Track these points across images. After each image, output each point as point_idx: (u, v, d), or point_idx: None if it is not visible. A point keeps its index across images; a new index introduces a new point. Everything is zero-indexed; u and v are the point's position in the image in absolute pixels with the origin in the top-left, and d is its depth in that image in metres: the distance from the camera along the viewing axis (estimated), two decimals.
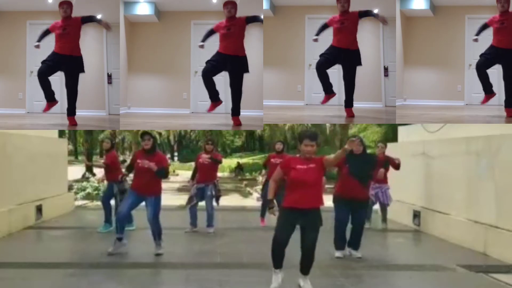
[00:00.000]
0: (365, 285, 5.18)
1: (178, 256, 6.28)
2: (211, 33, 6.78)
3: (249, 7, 6.90)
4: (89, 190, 15.17)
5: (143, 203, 6.25)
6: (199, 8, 7.55)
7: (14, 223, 7.72)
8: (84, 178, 20.97)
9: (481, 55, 6.62)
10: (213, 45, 6.78)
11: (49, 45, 6.68)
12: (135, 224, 7.97)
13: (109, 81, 7.37)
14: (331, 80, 6.89)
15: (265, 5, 7.20)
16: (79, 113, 6.86)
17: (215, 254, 6.47)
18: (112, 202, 7.93)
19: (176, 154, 46.64)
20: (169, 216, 8.50)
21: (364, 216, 6.44)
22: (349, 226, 6.33)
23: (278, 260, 4.61)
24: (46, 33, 6.68)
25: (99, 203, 9.33)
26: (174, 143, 46.12)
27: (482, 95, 6.73)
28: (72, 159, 38.89)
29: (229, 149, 48.20)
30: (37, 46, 6.76)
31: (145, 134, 6.28)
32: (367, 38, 7.42)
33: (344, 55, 6.73)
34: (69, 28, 6.61)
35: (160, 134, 36.72)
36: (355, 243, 6.29)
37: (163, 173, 6.16)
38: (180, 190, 20.07)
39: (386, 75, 7.51)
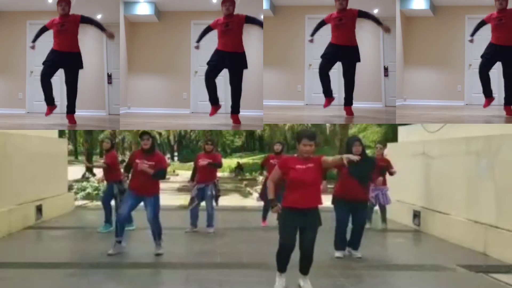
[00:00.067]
0: (365, 285, 5.18)
1: (178, 256, 6.28)
2: (207, 30, 6.77)
3: (249, 7, 6.90)
4: (89, 190, 15.18)
5: (142, 203, 6.26)
6: (199, 8, 7.55)
7: (14, 223, 7.72)
8: (84, 178, 20.99)
9: (482, 56, 6.61)
10: (213, 44, 6.77)
11: (48, 45, 6.67)
12: (135, 224, 7.97)
13: (109, 81, 7.37)
14: (331, 79, 6.89)
15: (265, 5, 7.20)
16: (80, 113, 6.86)
17: (215, 254, 6.47)
18: (112, 202, 7.93)
19: (176, 154, 46.64)
20: (169, 216, 8.49)
21: (364, 217, 6.44)
22: (349, 226, 6.34)
23: (284, 264, 4.62)
24: (43, 30, 6.67)
25: (99, 203, 9.33)
26: (174, 143, 46.14)
27: (482, 95, 6.72)
28: (72, 159, 38.89)
29: (229, 149, 48.23)
30: (33, 47, 6.75)
31: (144, 134, 6.26)
32: (367, 38, 7.42)
33: (343, 52, 6.73)
34: (68, 25, 6.60)
35: (160, 134, 36.77)
36: (355, 243, 6.29)
37: (161, 176, 6.17)
38: (180, 190, 20.07)
39: (386, 75, 7.51)
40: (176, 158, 45.37)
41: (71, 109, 6.74)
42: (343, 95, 6.90)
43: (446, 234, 7.53)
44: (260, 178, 17.50)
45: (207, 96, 6.86)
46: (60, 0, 6.58)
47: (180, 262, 5.95)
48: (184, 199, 13.81)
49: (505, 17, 6.46)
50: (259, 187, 15.75)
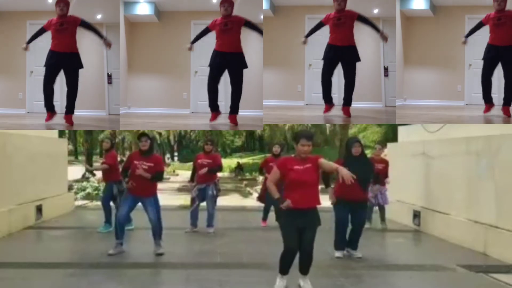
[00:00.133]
0: (365, 285, 5.18)
1: (178, 256, 6.28)
2: (205, 32, 6.74)
3: (249, 7, 6.90)
4: (89, 190, 15.19)
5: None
6: (199, 8, 7.55)
7: (14, 223, 7.72)
8: (84, 178, 20.98)
9: (483, 59, 6.57)
10: (212, 44, 6.76)
11: (46, 45, 6.66)
12: (133, 224, 7.96)
13: (109, 81, 7.37)
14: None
15: (265, 5, 7.20)
16: (80, 113, 6.87)
17: (215, 254, 6.47)
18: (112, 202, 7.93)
19: (176, 154, 46.64)
20: (169, 216, 8.48)
21: (363, 217, 6.44)
22: (349, 226, 6.34)
23: (287, 267, 4.62)
24: (41, 31, 6.64)
25: (99, 203, 9.33)
26: (174, 143, 46.12)
27: (482, 95, 6.72)
28: (72, 159, 38.90)
29: (229, 149, 48.22)
30: (26, 48, 6.73)
31: (142, 135, 6.27)
32: (367, 38, 7.40)
33: (342, 52, 6.70)
34: (67, 24, 6.58)
35: (160, 134, 36.73)
36: (354, 243, 6.28)
37: (159, 178, 6.21)
38: (180, 190, 20.07)
39: (386, 75, 7.51)
40: (176, 158, 45.38)
41: (70, 109, 6.73)
42: (342, 95, 6.89)
43: (446, 234, 7.53)
44: (260, 178, 17.50)
45: (207, 96, 6.85)
46: (58, 0, 6.56)
47: (180, 262, 5.95)
48: (184, 199, 13.81)
49: (504, 16, 6.44)
50: (259, 187, 15.75)
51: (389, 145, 11.35)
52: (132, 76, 7.70)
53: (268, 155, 10.92)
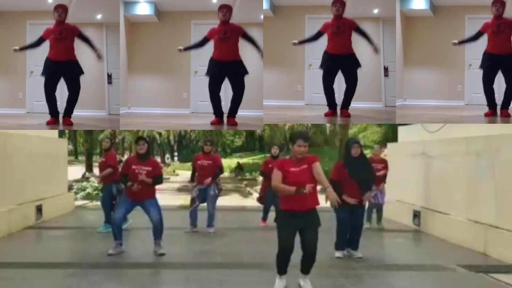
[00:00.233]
0: (365, 285, 5.18)
1: (178, 256, 6.28)
2: (204, 42, 6.66)
3: (249, 7, 6.90)
4: (89, 190, 15.19)
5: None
6: (199, 8, 7.55)
7: (14, 223, 7.72)
8: (84, 178, 20.99)
9: (482, 68, 6.55)
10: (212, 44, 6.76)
11: (46, 46, 6.65)
12: (130, 220, 7.88)
13: (109, 81, 7.37)
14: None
15: (265, 5, 7.19)
16: (80, 113, 6.87)
17: (215, 254, 6.47)
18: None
19: (176, 154, 46.62)
20: (169, 216, 8.46)
21: (362, 217, 6.45)
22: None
23: (284, 266, 4.62)
24: (39, 41, 6.58)
25: (99, 203, 9.32)
26: (174, 143, 46.08)
27: (482, 95, 6.72)
28: (72, 159, 38.90)
29: (229, 149, 48.19)
30: (17, 50, 6.69)
31: (140, 139, 6.29)
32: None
33: (342, 61, 6.68)
34: (66, 33, 6.52)
35: (160, 134, 36.74)
36: (354, 243, 6.28)
37: (159, 182, 6.23)
38: (180, 190, 20.09)
39: (386, 75, 7.51)
40: (176, 158, 45.36)
41: (68, 112, 6.71)
42: (342, 95, 6.88)
43: (446, 234, 7.52)
44: (260, 179, 17.51)
45: (207, 96, 6.85)
46: (57, 6, 6.52)
47: (180, 262, 5.95)
48: (184, 199, 13.82)
49: (503, 24, 6.40)
50: (259, 187, 15.75)
51: (389, 145, 11.35)
52: (132, 76, 7.70)
53: (268, 155, 10.92)
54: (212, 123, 6.85)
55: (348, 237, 6.30)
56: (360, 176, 6.06)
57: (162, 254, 6.19)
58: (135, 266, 5.75)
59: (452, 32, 7.41)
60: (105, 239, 7.17)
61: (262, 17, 6.91)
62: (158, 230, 6.25)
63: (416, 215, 8.61)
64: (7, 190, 7.67)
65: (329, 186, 4.44)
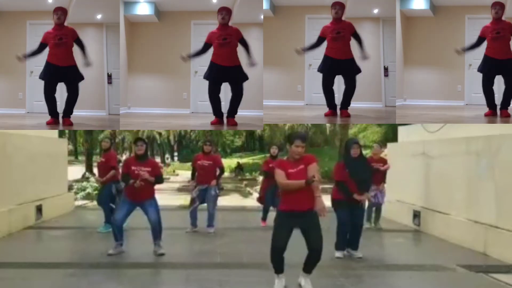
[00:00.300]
0: (365, 285, 5.19)
1: (178, 256, 6.28)
2: (206, 48, 6.64)
3: (249, 7, 6.90)
4: (89, 190, 15.19)
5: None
6: (199, 8, 7.55)
7: (14, 223, 7.72)
8: (84, 178, 20.98)
9: (482, 72, 6.56)
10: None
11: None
12: (127, 221, 7.86)
13: (109, 81, 7.37)
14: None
15: (265, 5, 7.19)
16: (80, 113, 6.87)
17: (215, 254, 6.47)
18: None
19: (176, 154, 46.62)
20: (169, 216, 8.49)
21: (363, 217, 6.46)
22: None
23: (279, 265, 4.61)
24: (41, 48, 6.56)
25: None
26: (174, 143, 46.10)
27: (482, 95, 6.72)
28: (72, 159, 38.89)
29: (229, 149, 48.17)
30: (21, 58, 6.70)
31: (139, 139, 6.32)
32: (367, 38, 7.36)
33: (341, 65, 6.69)
34: (65, 38, 6.51)
35: (160, 134, 36.76)
36: (354, 243, 6.29)
37: (160, 181, 6.23)
38: (180, 190, 20.09)
39: (386, 75, 7.51)
40: (176, 158, 45.36)
41: (68, 113, 6.71)
42: (342, 96, 6.89)
43: (446, 234, 7.52)
44: (260, 178, 17.51)
45: (207, 96, 6.85)
46: (56, 8, 6.51)
47: (180, 262, 5.95)
48: (184, 199, 13.82)
49: (502, 29, 6.40)
50: (259, 187, 15.75)
51: (389, 145, 11.35)
52: (132, 76, 7.70)
53: (268, 155, 10.91)
54: (212, 123, 6.86)
55: (348, 237, 6.30)
56: (359, 176, 6.08)
57: (162, 254, 6.19)
58: (135, 266, 5.75)
59: (452, 32, 7.42)
60: (105, 239, 7.17)
61: (262, 17, 6.91)
62: (156, 231, 6.25)
63: (416, 215, 8.61)
64: (7, 190, 7.67)
65: (318, 197, 4.36)
